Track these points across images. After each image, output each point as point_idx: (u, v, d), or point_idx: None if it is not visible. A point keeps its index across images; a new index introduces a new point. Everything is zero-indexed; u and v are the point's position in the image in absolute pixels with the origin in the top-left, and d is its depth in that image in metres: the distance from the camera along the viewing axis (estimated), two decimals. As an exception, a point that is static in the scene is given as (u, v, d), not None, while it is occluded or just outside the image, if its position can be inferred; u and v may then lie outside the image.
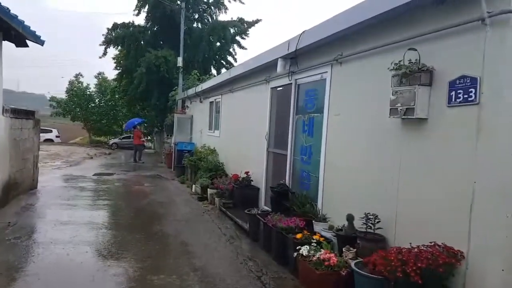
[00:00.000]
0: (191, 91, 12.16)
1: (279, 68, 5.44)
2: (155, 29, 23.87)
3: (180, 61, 15.25)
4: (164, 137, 17.64)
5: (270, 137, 6.39)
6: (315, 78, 4.98)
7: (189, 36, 22.97)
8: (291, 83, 5.57)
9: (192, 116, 13.04)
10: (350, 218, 3.73)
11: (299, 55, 5.12)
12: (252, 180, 6.81)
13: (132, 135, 33.07)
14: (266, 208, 6.34)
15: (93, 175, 11.54)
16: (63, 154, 17.81)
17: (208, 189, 7.64)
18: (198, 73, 15.93)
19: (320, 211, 4.51)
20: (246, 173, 6.88)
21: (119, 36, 22.56)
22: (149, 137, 32.93)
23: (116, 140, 31.52)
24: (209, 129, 10.60)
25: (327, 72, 4.64)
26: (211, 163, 8.75)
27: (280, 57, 5.43)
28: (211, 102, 10.46)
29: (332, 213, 4.33)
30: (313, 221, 4.32)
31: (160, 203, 7.54)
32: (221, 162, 8.91)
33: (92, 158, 17.40)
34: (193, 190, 8.80)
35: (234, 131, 8.32)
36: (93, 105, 36.38)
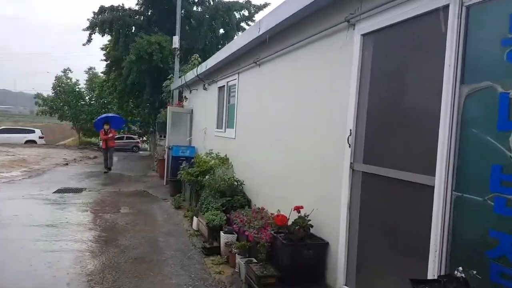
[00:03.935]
0: (190, 75, 8.76)
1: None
2: (148, 13, 20.61)
3: (176, 41, 11.86)
4: (157, 138, 14.23)
5: (359, 140, 3.02)
6: None
7: (188, 21, 19.77)
8: (447, 5, 2.20)
9: (192, 110, 9.64)
10: None
11: None
12: (312, 226, 3.43)
13: (124, 135, 30.17)
14: (352, 293, 2.97)
15: (54, 192, 8.18)
16: (32, 159, 14.39)
17: (222, 234, 4.25)
18: (200, 58, 12.55)
19: None
20: (298, 210, 3.50)
21: (106, 20, 19.20)
22: (144, 138, 29.63)
23: (109, 141, 28.06)
24: (218, 128, 7.19)
25: None
26: (223, 182, 5.35)
27: None
28: (221, 88, 7.07)
29: None
30: None
31: (135, 261, 4.13)
32: (239, 179, 5.52)
33: (67, 164, 13.99)
34: (194, 225, 5.39)
35: (264, 130, 4.94)
36: (82, 103, 33.15)
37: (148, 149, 26.79)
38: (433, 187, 2.28)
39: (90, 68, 34.69)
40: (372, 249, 2.95)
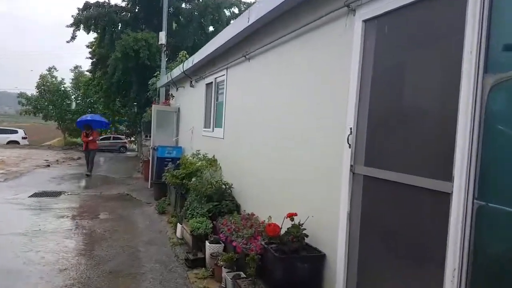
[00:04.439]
0: (177, 71, 8.35)
1: None
2: (135, 10, 20.06)
3: (163, 37, 11.40)
4: (142, 138, 13.74)
5: (360, 140, 2.68)
6: None
7: (177, 18, 19.33)
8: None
9: (179, 108, 9.21)
10: None
11: None
12: (307, 235, 3.08)
13: (111, 136, 29.42)
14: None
15: (30, 196, 7.67)
16: (11, 161, 13.73)
17: (207, 244, 3.86)
18: (187, 55, 12.11)
19: None
20: (291, 217, 3.14)
21: (91, 16, 18.60)
22: (132, 138, 28.93)
23: (94, 141, 27.24)
24: (205, 127, 6.80)
25: None
26: (210, 185, 4.97)
27: None
28: (209, 84, 6.68)
29: None
30: None
31: (110, 275, 3.71)
32: (227, 183, 5.14)
33: (49, 166, 13.38)
34: (178, 233, 4.98)
35: (254, 130, 4.58)
36: (68, 102, 32.30)
37: (136, 150, 26.18)
38: (450, 194, 1.94)
39: (76, 67, 33.86)
40: (375, 262, 2.61)
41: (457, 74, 1.93)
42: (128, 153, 25.50)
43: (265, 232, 3.14)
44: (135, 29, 17.76)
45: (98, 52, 19.60)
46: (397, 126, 2.42)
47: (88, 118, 12.35)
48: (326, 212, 3.00)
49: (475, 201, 1.86)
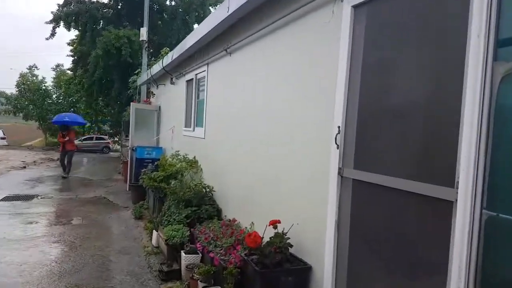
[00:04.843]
0: (156, 68, 7.95)
1: None
2: (118, 7, 19.47)
3: (144, 32, 10.95)
4: (123, 138, 13.26)
5: (349, 140, 2.39)
6: None
7: (161, 16, 18.87)
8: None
9: (159, 107, 8.81)
10: None
11: None
12: (291, 245, 2.78)
13: (94, 136, 28.58)
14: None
15: (-1, 200, 7.17)
16: (-15, 162, 13.06)
17: (183, 254, 3.51)
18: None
19: None
20: (274, 225, 2.84)
21: (71, 12, 17.96)
22: (116, 138, 28.16)
23: (76, 141, 26.42)
24: (186, 126, 6.44)
25: None
26: (189, 189, 4.63)
27: None
28: (189, 81, 6.32)
29: None
30: None
31: (74, 289, 3.35)
32: (208, 185, 4.81)
33: (25, 167, 12.76)
34: (153, 241, 4.61)
35: (236, 129, 4.26)
36: (49, 101, 31.27)
37: (120, 150, 25.46)
38: (454, 202, 1.68)
39: (58, 65, 32.84)
40: (366, 275, 2.34)
41: (460, 63, 1.67)
42: (111, 153, 24.81)
43: (245, 242, 2.83)
44: (118, 26, 17.22)
45: (79, 50, 18.97)
46: (392, 123, 2.14)
47: (66, 119, 11.82)
48: (312, 219, 2.71)
49: (483, 211, 1.59)
